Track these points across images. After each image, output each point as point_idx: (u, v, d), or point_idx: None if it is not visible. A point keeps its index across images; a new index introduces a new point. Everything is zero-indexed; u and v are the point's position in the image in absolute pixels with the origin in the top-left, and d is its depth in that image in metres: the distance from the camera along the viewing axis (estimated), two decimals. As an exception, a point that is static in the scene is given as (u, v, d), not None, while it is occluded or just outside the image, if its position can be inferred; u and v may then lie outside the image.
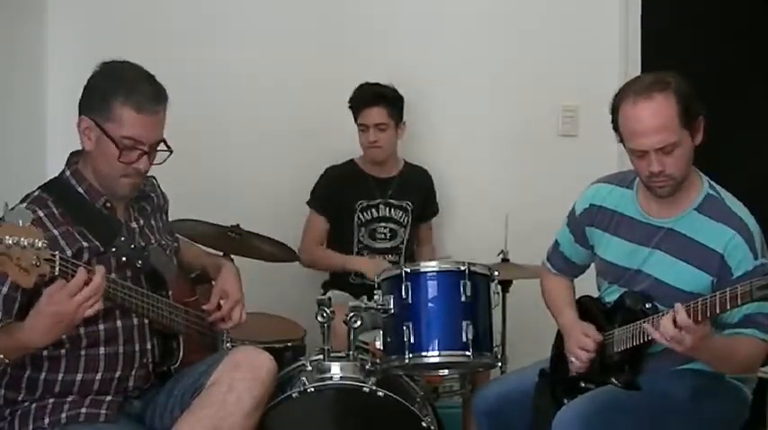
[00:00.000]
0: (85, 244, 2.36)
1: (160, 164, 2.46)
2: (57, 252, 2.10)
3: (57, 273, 2.09)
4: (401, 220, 3.87)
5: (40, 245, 2.03)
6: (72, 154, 2.50)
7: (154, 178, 2.70)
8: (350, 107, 3.80)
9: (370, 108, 3.74)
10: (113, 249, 2.40)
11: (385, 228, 3.85)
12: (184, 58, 3.90)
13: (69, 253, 2.30)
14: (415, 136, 4.00)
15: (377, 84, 3.79)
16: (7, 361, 2.23)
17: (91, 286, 2.12)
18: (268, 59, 4.01)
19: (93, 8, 3.90)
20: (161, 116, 2.42)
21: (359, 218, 3.82)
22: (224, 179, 3.98)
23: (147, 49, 3.65)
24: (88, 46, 3.68)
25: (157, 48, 3.79)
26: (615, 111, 2.50)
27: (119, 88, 2.36)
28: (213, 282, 2.75)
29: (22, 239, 2.00)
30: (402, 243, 3.86)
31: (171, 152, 2.45)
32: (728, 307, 2.23)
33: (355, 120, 3.79)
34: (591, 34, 4.18)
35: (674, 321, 2.27)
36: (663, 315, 2.35)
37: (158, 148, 2.43)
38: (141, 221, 2.57)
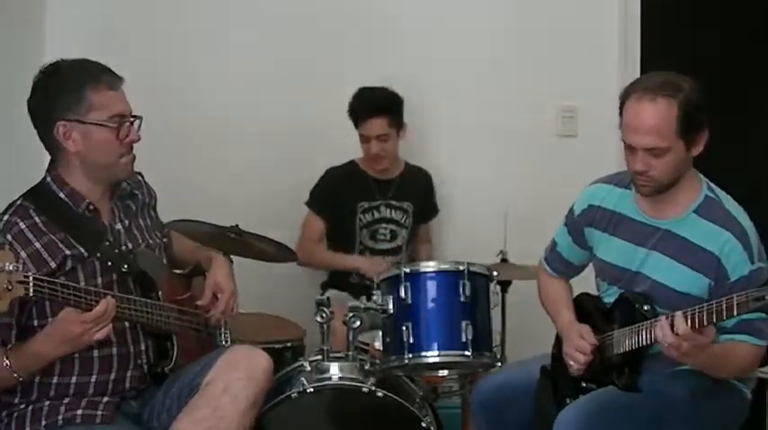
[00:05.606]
0: (68, 252, 2.35)
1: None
2: (30, 273, 2.10)
3: (31, 295, 2.09)
4: (401, 221, 3.87)
5: (10, 268, 2.02)
6: (52, 160, 2.47)
7: (140, 174, 2.68)
8: (349, 115, 3.76)
9: (370, 119, 3.69)
10: (98, 254, 2.39)
11: (386, 229, 3.85)
12: (184, 58, 3.90)
13: (53, 265, 2.31)
14: (415, 136, 3.99)
15: (375, 89, 3.75)
16: (21, 378, 2.27)
17: (99, 315, 2.20)
18: (268, 59, 4.02)
19: (93, 8, 3.89)
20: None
21: (360, 219, 3.82)
22: (223, 179, 3.98)
23: (147, 49, 3.67)
24: (88, 46, 3.68)
25: (157, 48, 3.80)
26: (624, 99, 2.51)
27: (83, 79, 2.38)
28: (206, 274, 2.73)
29: None
30: (402, 244, 3.86)
31: (140, 118, 2.46)
32: (725, 317, 2.24)
33: (356, 127, 3.77)
34: (591, 34, 4.18)
35: (672, 328, 2.29)
36: (667, 317, 2.34)
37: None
38: (127, 222, 2.55)
